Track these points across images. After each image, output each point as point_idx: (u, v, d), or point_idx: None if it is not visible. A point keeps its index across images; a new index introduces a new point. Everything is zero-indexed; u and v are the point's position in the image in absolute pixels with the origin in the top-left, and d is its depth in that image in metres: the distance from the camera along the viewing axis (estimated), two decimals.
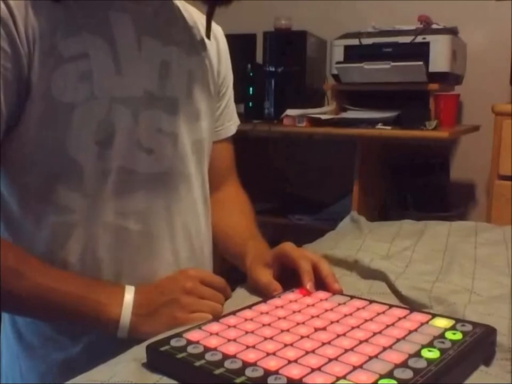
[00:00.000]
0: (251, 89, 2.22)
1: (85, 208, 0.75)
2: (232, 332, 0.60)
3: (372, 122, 1.87)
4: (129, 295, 0.71)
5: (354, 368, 0.52)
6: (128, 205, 0.78)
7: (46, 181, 0.74)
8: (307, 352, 0.55)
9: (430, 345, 0.56)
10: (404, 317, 0.64)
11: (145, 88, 0.78)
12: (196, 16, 0.92)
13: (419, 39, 1.88)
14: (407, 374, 0.50)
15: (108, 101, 0.74)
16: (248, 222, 0.97)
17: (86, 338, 0.78)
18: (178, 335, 0.60)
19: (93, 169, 0.74)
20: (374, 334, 0.59)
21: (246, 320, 0.64)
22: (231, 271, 0.91)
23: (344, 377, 0.50)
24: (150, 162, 0.79)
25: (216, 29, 0.97)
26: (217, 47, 0.95)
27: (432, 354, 0.54)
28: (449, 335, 0.58)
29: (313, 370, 0.52)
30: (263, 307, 0.68)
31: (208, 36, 0.90)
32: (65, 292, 0.70)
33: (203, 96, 0.88)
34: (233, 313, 0.66)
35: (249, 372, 0.51)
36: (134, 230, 0.78)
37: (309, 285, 0.74)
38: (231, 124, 1.03)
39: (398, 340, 0.58)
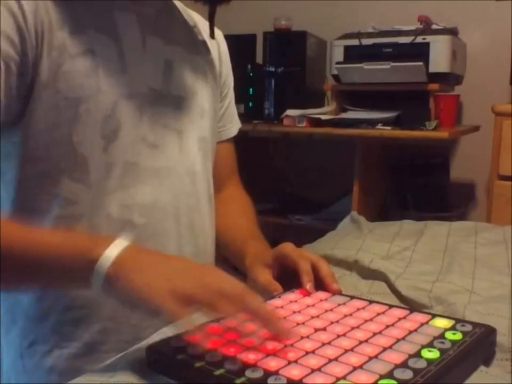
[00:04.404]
0: (251, 89, 2.22)
1: (89, 200, 0.76)
2: (232, 333, 0.60)
3: (372, 123, 1.87)
4: (121, 241, 0.63)
5: (354, 368, 0.52)
6: (133, 198, 0.78)
7: (51, 173, 0.74)
8: (307, 353, 0.55)
9: (430, 345, 0.56)
10: (404, 317, 0.64)
11: (149, 86, 0.79)
12: (196, 18, 0.94)
13: (419, 39, 1.89)
14: (407, 374, 0.50)
15: (113, 96, 0.75)
16: (249, 222, 0.98)
17: (87, 334, 0.78)
18: (178, 336, 0.59)
19: (98, 162, 0.75)
20: (374, 334, 0.59)
21: (245, 320, 0.64)
22: (231, 271, 0.91)
23: (344, 377, 0.50)
24: (155, 157, 0.80)
25: (217, 32, 0.98)
26: (218, 49, 0.97)
27: (432, 354, 0.54)
28: (449, 335, 0.58)
29: (313, 370, 0.52)
30: None
31: (212, 36, 0.91)
32: (43, 242, 0.66)
33: (206, 94, 0.89)
34: None
35: (249, 373, 0.51)
36: (139, 223, 0.79)
37: (308, 285, 0.74)
38: (233, 126, 1.04)
39: (398, 340, 0.57)
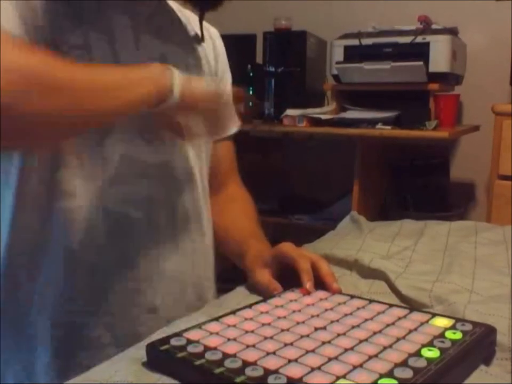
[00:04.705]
0: (251, 89, 2.22)
1: (86, 193, 0.76)
2: (232, 331, 0.60)
3: (371, 122, 1.87)
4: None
5: (354, 367, 0.52)
6: (129, 192, 0.79)
7: (48, 167, 0.75)
8: (307, 352, 0.55)
9: (430, 344, 0.56)
10: (404, 317, 0.64)
11: None
12: (191, 18, 0.94)
13: (419, 39, 1.88)
14: (407, 373, 0.50)
15: None
16: (250, 221, 0.98)
17: (86, 330, 0.78)
18: (178, 334, 0.60)
19: (94, 156, 0.76)
20: (374, 333, 0.59)
21: (246, 319, 0.64)
22: (231, 270, 0.91)
23: (344, 376, 0.50)
24: (151, 152, 0.81)
25: (212, 30, 0.99)
26: (214, 47, 0.97)
27: (432, 353, 0.54)
28: (449, 334, 0.58)
29: (313, 369, 0.52)
30: (263, 306, 0.69)
31: (202, 39, 0.92)
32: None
33: None
34: (233, 312, 0.67)
35: (249, 371, 0.51)
36: (136, 217, 0.79)
37: (308, 284, 0.74)
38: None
39: (398, 339, 0.58)
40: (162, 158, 0.82)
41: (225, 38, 1.02)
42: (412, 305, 0.73)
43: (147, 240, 0.81)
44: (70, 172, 0.75)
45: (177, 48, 0.87)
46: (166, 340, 0.58)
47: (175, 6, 0.92)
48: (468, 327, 0.60)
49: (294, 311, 0.67)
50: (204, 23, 0.92)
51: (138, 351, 0.60)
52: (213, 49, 0.97)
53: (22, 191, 0.76)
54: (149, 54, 0.81)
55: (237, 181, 1.06)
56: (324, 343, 0.57)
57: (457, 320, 0.62)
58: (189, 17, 0.94)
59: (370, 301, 0.70)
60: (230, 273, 0.83)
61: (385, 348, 0.56)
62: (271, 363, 0.53)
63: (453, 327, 0.60)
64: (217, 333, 0.60)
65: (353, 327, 0.61)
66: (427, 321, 0.62)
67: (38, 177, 0.75)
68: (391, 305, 0.68)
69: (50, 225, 0.76)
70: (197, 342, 0.58)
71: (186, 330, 0.61)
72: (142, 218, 0.80)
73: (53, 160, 0.75)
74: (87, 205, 0.76)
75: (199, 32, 0.93)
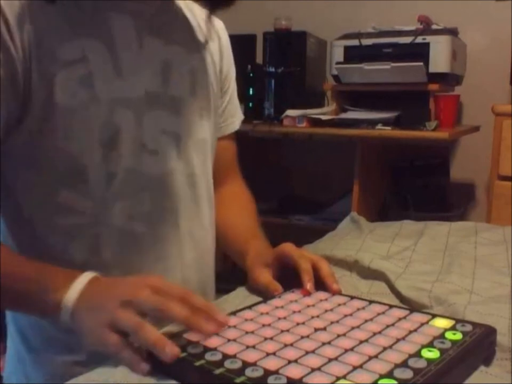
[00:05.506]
0: (251, 89, 2.22)
1: (91, 210, 0.75)
2: (232, 332, 0.60)
3: (371, 123, 1.87)
4: (82, 279, 0.65)
5: (354, 368, 0.52)
6: (135, 207, 0.77)
7: (51, 183, 0.74)
8: (307, 352, 0.55)
9: (430, 345, 0.56)
10: (404, 317, 0.64)
11: (146, 89, 0.78)
12: (198, 14, 0.91)
13: (419, 39, 1.88)
14: (407, 374, 0.50)
15: (110, 103, 0.73)
16: (250, 220, 0.97)
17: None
18: (178, 335, 0.60)
19: (98, 171, 0.74)
20: (374, 334, 0.59)
21: (246, 320, 0.64)
22: (232, 270, 0.91)
23: (344, 377, 0.50)
24: (155, 164, 0.79)
25: (218, 24, 0.96)
26: (219, 43, 0.95)
27: (432, 354, 0.54)
28: (449, 335, 0.58)
29: (313, 370, 0.52)
30: (263, 307, 0.69)
31: (210, 38, 0.90)
32: (15, 274, 0.67)
33: (206, 94, 0.88)
34: (233, 313, 0.67)
35: (249, 372, 0.51)
36: (141, 232, 0.78)
37: (309, 285, 0.74)
38: (235, 120, 1.02)
39: (398, 340, 0.58)
40: (165, 169, 0.80)
41: None
42: (411, 305, 0.73)
43: (152, 254, 0.80)
44: (74, 190, 0.74)
45: (183, 49, 0.84)
46: None
47: (182, 3, 0.88)
48: (468, 327, 0.60)
49: (294, 312, 0.67)
50: (207, 26, 0.91)
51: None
52: (219, 45, 0.94)
53: (25, 208, 0.76)
54: (153, 57, 0.79)
55: (237, 179, 1.05)
56: (324, 343, 0.57)
57: (457, 320, 0.62)
58: (195, 13, 0.91)
59: (370, 301, 0.70)
60: (230, 273, 0.82)
61: (385, 349, 0.56)
62: (271, 364, 0.53)
63: (453, 328, 0.60)
64: (217, 334, 0.60)
65: (353, 328, 0.61)
66: (427, 322, 0.62)
67: (41, 193, 0.74)
68: (391, 306, 0.68)
69: (54, 242, 0.75)
70: (197, 342, 0.58)
71: (186, 330, 0.61)
72: (146, 233, 0.79)
73: (56, 179, 0.73)
74: (92, 221, 0.75)
75: (205, 29, 0.90)
